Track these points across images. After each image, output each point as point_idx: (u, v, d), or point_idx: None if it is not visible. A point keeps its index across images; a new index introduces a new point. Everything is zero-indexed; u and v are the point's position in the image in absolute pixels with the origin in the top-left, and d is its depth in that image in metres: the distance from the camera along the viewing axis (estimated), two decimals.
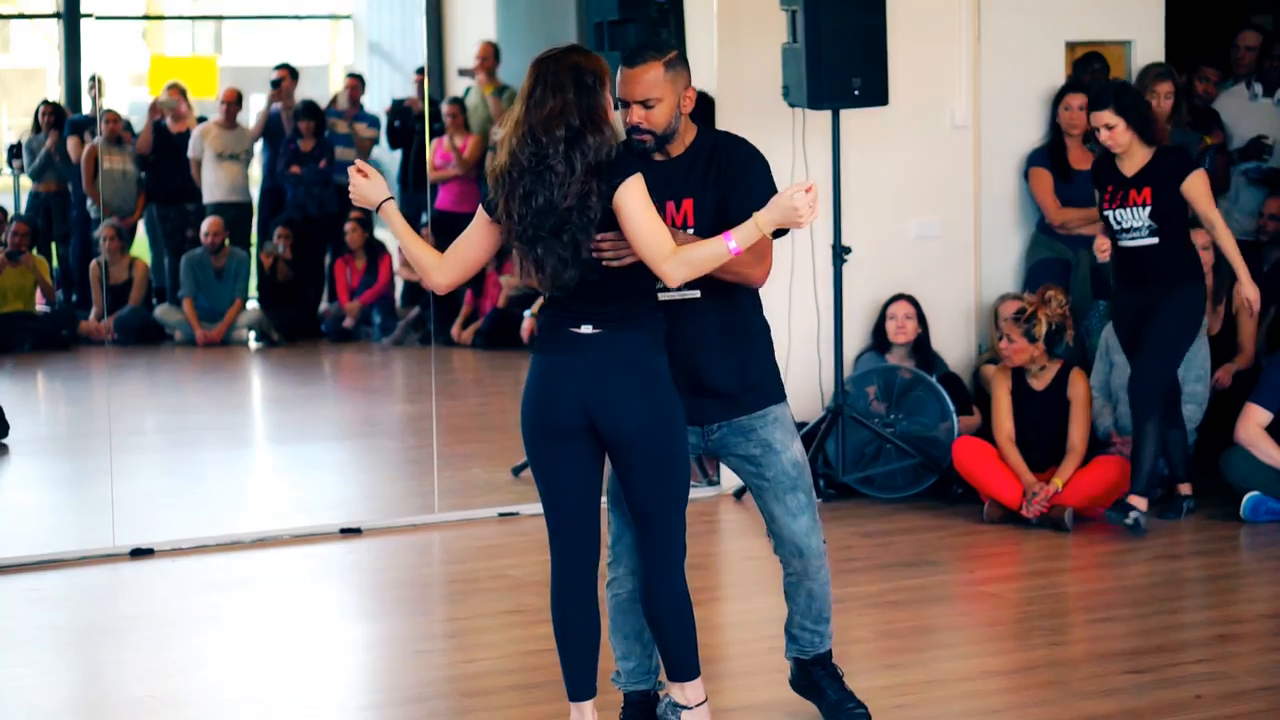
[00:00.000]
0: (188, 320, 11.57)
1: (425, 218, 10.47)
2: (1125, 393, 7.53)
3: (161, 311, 11.73)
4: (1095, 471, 7.43)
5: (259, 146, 12.29)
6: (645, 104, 4.58)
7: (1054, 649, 5.77)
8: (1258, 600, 6.53)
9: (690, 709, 4.66)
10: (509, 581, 6.66)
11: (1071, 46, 8.89)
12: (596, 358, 4.43)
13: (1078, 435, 7.44)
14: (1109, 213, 7.24)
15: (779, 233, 4.58)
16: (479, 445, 9.06)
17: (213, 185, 11.89)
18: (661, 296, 4.61)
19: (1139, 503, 7.15)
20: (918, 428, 7.90)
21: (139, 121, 11.96)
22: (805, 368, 8.01)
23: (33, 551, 7.02)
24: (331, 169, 12.01)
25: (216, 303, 11.65)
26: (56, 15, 12.17)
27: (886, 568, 6.80)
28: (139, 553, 7.07)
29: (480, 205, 4.51)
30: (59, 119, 11.68)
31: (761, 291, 4.75)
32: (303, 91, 12.44)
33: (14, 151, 11.96)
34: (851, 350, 8.18)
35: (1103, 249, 7.32)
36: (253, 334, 11.86)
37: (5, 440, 9.02)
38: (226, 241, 11.73)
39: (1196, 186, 7.15)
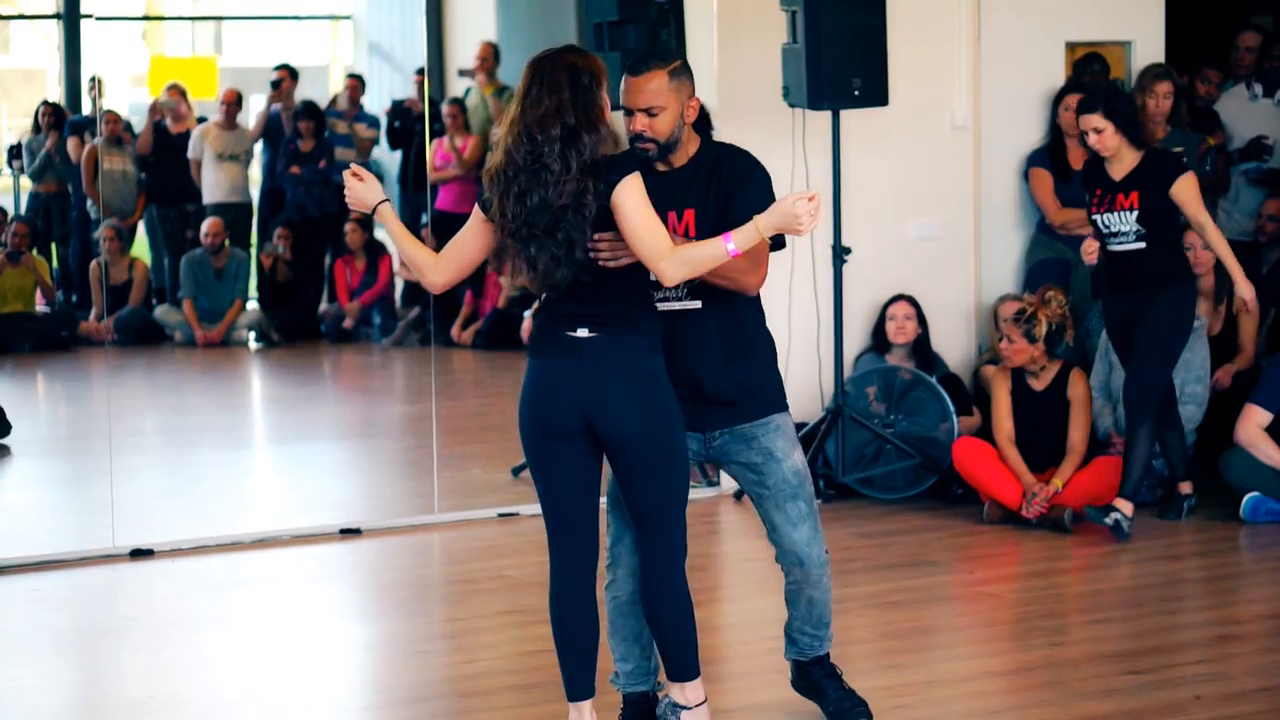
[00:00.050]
0: (188, 321, 11.58)
1: (425, 218, 10.45)
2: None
3: (161, 312, 11.74)
4: (1095, 472, 7.43)
5: (259, 147, 12.28)
6: (649, 112, 4.58)
7: (1054, 649, 5.77)
8: (1257, 601, 6.53)
9: (690, 709, 4.66)
10: (508, 582, 6.66)
11: (1071, 47, 8.89)
12: (593, 362, 4.43)
13: (1078, 436, 7.44)
14: (1097, 216, 7.23)
15: (778, 244, 4.58)
16: (479, 446, 9.04)
17: (213, 186, 11.89)
18: (663, 307, 4.61)
19: (1124, 506, 7.11)
20: (918, 428, 7.90)
21: (139, 122, 11.97)
22: (805, 368, 8.02)
23: (33, 552, 7.02)
24: (331, 169, 11.98)
25: (216, 303, 11.65)
26: (56, 16, 12.18)
27: (886, 568, 6.80)
28: (139, 553, 7.07)
29: (476, 204, 4.52)
30: (59, 120, 11.70)
31: (761, 292, 4.74)
32: (303, 92, 12.43)
33: (14, 152, 11.97)
34: (851, 351, 8.18)
35: (1089, 251, 7.29)
36: (253, 334, 11.86)
37: (6, 441, 9.02)
38: (226, 242, 11.74)
39: (1185, 190, 7.13)
